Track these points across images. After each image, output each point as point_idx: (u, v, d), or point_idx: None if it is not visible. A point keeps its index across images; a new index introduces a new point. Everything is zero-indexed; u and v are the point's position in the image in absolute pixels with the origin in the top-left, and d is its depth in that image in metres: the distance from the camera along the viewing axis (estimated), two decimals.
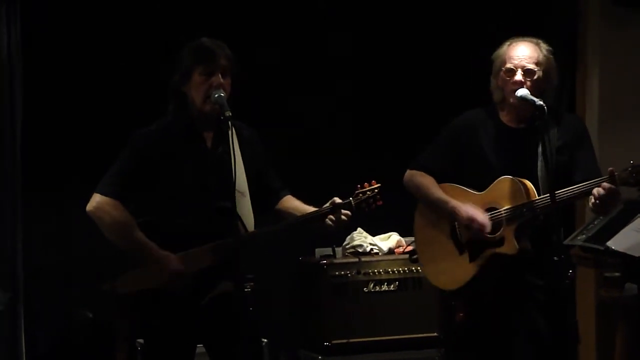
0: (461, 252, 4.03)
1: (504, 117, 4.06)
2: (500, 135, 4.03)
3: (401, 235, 5.52)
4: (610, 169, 3.73)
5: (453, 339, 4.96)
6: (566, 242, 4.64)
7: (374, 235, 5.53)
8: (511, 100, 3.95)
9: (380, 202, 3.84)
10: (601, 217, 4.81)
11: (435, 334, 5.26)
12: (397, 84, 5.90)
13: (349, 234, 5.52)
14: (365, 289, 5.25)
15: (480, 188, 4.02)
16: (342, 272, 5.24)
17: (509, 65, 3.96)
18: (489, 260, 3.96)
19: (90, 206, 3.77)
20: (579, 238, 4.85)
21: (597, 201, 3.74)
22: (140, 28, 5.42)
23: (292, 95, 5.72)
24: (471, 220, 3.95)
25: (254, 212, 3.84)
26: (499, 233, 3.94)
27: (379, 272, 5.28)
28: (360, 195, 3.82)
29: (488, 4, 5.86)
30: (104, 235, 3.81)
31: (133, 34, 5.41)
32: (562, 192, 3.81)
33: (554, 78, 4.02)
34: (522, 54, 3.97)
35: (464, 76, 5.65)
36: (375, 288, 5.26)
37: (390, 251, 5.46)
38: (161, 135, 3.78)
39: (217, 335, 3.78)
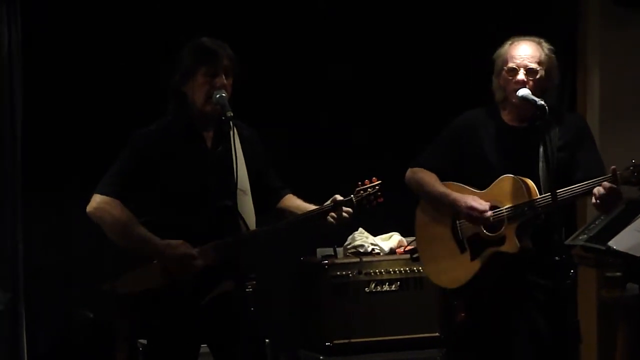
0: (462, 251, 4.05)
1: (505, 116, 4.07)
2: (501, 135, 4.05)
3: (402, 235, 5.52)
4: (613, 167, 3.74)
5: (454, 339, 4.97)
6: (567, 241, 4.65)
7: (375, 235, 5.54)
8: (513, 100, 3.96)
9: (382, 199, 3.85)
10: (602, 217, 4.81)
11: (436, 334, 5.26)
12: (397, 83, 5.90)
13: (350, 234, 5.52)
14: (366, 289, 5.26)
15: (481, 187, 4.04)
16: (344, 272, 5.24)
17: (511, 65, 3.98)
18: (490, 259, 3.97)
19: (90, 207, 3.76)
20: (580, 238, 4.84)
21: (598, 200, 3.76)
22: (140, 28, 5.42)
23: (292, 95, 5.72)
24: (471, 209, 3.96)
25: (255, 211, 3.84)
26: (500, 231, 3.95)
27: (380, 272, 5.28)
28: (362, 192, 3.83)
29: (488, 4, 5.86)
30: (104, 235, 3.80)
31: (133, 34, 5.42)
32: (563, 191, 3.82)
33: (555, 77, 4.04)
34: (524, 53, 3.98)
35: (464, 76, 5.68)
36: (377, 288, 5.27)
37: (392, 251, 5.46)
38: (161, 135, 3.79)
39: (220, 335, 3.78)
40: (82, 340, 5.26)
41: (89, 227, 3.85)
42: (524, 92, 3.91)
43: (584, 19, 5.87)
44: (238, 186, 3.70)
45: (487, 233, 3.98)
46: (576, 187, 3.82)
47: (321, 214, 3.81)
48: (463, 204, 3.99)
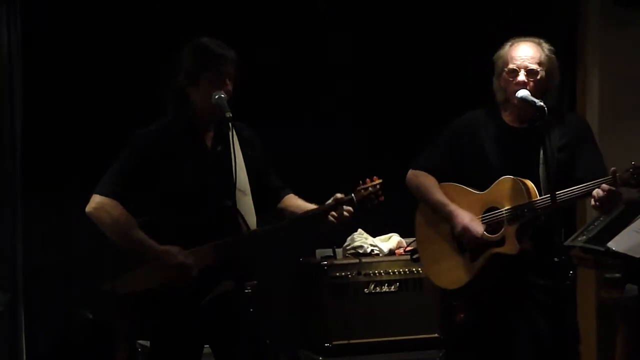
0: (462, 252, 4.06)
1: (506, 117, 4.09)
2: (502, 135, 4.06)
3: (402, 236, 5.54)
4: (613, 169, 3.75)
5: (453, 339, 4.99)
6: (567, 242, 4.66)
7: (374, 236, 5.56)
8: (513, 101, 3.98)
9: (382, 198, 3.86)
10: (602, 218, 4.82)
11: (435, 335, 5.28)
12: (397, 83, 5.92)
13: (350, 235, 5.54)
14: (365, 289, 5.27)
15: (481, 188, 4.05)
16: (343, 273, 5.26)
17: (511, 66, 3.99)
18: (490, 260, 3.99)
19: (89, 207, 3.78)
20: (579, 239, 4.84)
21: (598, 202, 3.77)
22: (140, 28, 5.44)
23: (292, 95, 5.73)
24: (466, 230, 3.99)
25: (255, 212, 3.85)
26: (500, 233, 3.96)
27: (380, 273, 5.30)
28: (362, 191, 3.84)
29: (488, 4, 5.88)
30: (103, 235, 3.81)
31: (133, 34, 5.43)
32: (562, 193, 3.83)
33: (556, 78, 4.05)
34: (525, 54, 4.00)
35: (464, 76, 5.71)
36: (376, 289, 5.29)
37: (391, 252, 5.48)
38: (161, 135, 3.80)
39: (220, 335, 3.79)
40: (81, 341, 5.27)
41: (89, 227, 3.86)
42: (523, 93, 3.93)
43: (583, 19, 5.89)
44: (237, 186, 3.72)
45: (487, 234, 4.00)
46: (575, 189, 3.84)
47: (322, 213, 3.83)
48: (460, 222, 4.01)
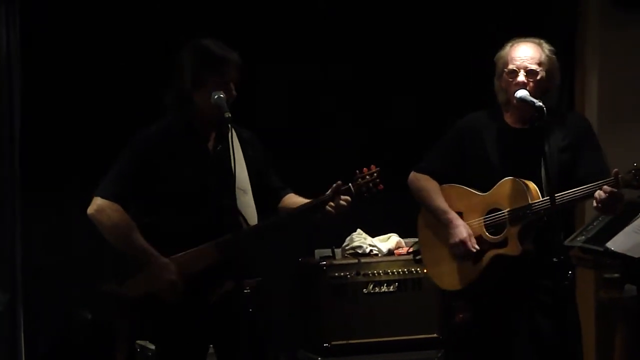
0: None
1: (508, 118, 4.12)
2: (504, 137, 4.09)
3: (401, 236, 5.57)
4: (615, 170, 3.78)
5: (453, 340, 5.05)
6: (566, 243, 4.68)
7: (373, 236, 5.58)
8: (514, 101, 4.01)
9: (382, 187, 3.85)
10: (600, 218, 4.86)
11: (434, 335, 5.31)
12: (396, 84, 5.94)
13: (349, 235, 5.56)
14: (364, 290, 5.30)
15: (484, 189, 4.08)
16: (342, 273, 5.29)
17: (511, 67, 4.02)
18: (492, 262, 4.02)
19: (91, 209, 3.80)
20: (578, 239, 4.88)
21: (599, 204, 3.80)
22: (140, 28, 5.46)
23: (292, 95, 5.77)
24: (460, 244, 4.02)
25: (258, 212, 3.88)
26: (502, 234, 3.99)
27: (379, 273, 5.34)
28: (360, 180, 3.84)
29: (488, 4, 5.91)
30: (102, 237, 3.83)
31: (133, 34, 5.45)
32: (564, 194, 3.86)
33: (557, 78, 4.08)
34: (524, 54, 4.02)
35: (464, 76, 5.75)
36: (375, 289, 5.32)
37: (390, 252, 5.51)
38: (161, 137, 3.83)
39: (222, 335, 3.82)
40: (81, 341, 5.29)
41: (88, 228, 3.89)
42: (522, 93, 3.96)
43: (583, 19, 5.93)
44: (238, 185, 3.74)
45: (489, 236, 4.03)
46: (578, 191, 3.86)
47: (320, 204, 3.83)
48: (456, 235, 4.03)
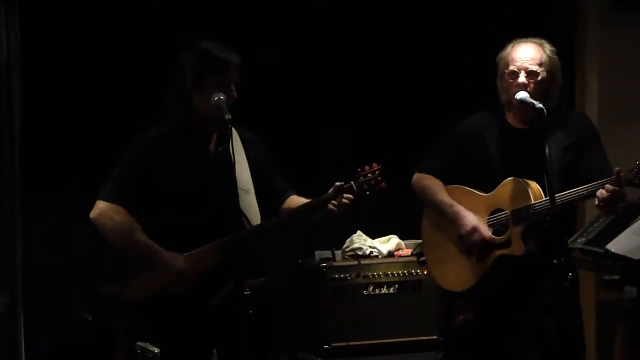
0: (468, 254, 4.13)
1: (510, 118, 4.15)
2: (506, 137, 4.13)
3: (401, 238, 5.62)
4: (617, 169, 3.81)
5: (453, 341, 5.06)
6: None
7: (373, 238, 5.62)
8: (515, 102, 4.04)
9: (384, 185, 3.86)
10: (601, 220, 4.91)
11: (434, 337, 5.36)
12: (396, 84, 5.98)
13: (349, 237, 5.60)
14: (364, 291, 5.35)
15: (486, 190, 4.12)
16: (342, 275, 5.34)
17: (512, 68, 4.05)
18: (496, 262, 4.05)
19: (93, 213, 3.84)
20: (578, 241, 4.91)
21: (602, 203, 3.84)
22: (141, 28, 5.49)
23: (292, 95, 5.80)
24: (472, 232, 4.06)
25: (261, 213, 3.91)
26: (506, 235, 4.03)
27: (379, 275, 5.38)
28: (362, 177, 3.85)
29: (488, 4, 5.96)
30: (102, 239, 3.87)
31: (133, 35, 5.49)
32: (565, 194, 3.90)
33: (559, 78, 4.11)
34: (525, 55, 4.06)
35: (464, 76, 5.79)
36: (375, 291, 5.36)
37: (390, 254, 5.55)
38: (162, 139, 3.87)
39: (224, 337, 3.86)
40: (80, 342, 5.31)
41: (88, 229, 3.92)
42: (522, 95, 3.99)
43: (583, 20, 5.99)
44: (240, 186, 3.79)
45: (493, 236, 4.07)
46: (580, 190, 3.90)
47: (322, 203, 3.84)
48: (466, 224, 4.07)
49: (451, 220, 4.14)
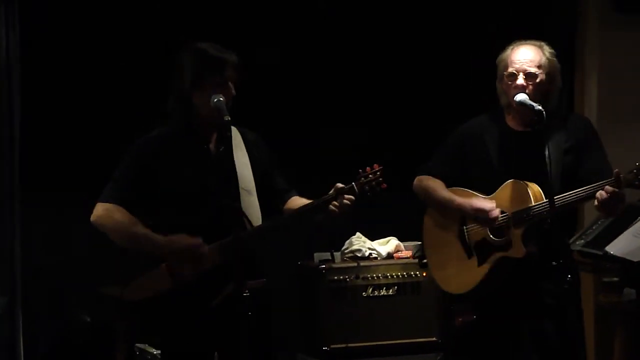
0: (469, 256, 4.17)
1: (510, 121, 4.19)
2: (506, 140, 4.17)
3: (400, 239, 5.64)
4: (616, 170, 3.85)
5: (452, 343, 5.07)
6: None
7: (372, 239, 5.65)
8: (514, 105, 4.08)
9: (385, 185, 3.87)
10: (600, 222, 4.96)
11: (434, 339, 5.39)
12: (397, 84, 6.02)
13: (348, 239, 5.63)
14: (364, 293, 5.38)
15: (487, 192, 4.16)
16: (341, 277, 5.37)
17: (510, 70, 4.10)
18: (496, 264, 4.09)
19: (93, 216, 3.88)
20: (577, 243, 4.94)
21: (601, 205, 3.87)
22: (141, 28, 5.52)
23: (292, 96, 5.83)
24: (478, 211, 4.08)
25: (263, 213, 3.93)
26: (506, 236, 4.07)
27: (378, 277, 5.41)
28: (363, 178, 3.87)
29: (488, 4, 5.99)
30: (102, 238, 3.90)
31: (133, 35, 5.52)
32: (565, 196, 3.94)
33: (558, 80, 4.15)
34: (524, 57, 4.10)
35: (464, 76, 5.82)
36: (374, 292, 5.40)
37: (389, 256, 5.57)
38: (162, 139, 3.91)
39: (225, 339, 3.87)
40: (80, 344, 5.34)
41: (88, 230, 3.95)
42: (521, 97, 4.03)
43: (582, 20, 6.02)
44: (242, 186, 3.83)
45: (493, 238, 4.10)
46: (579, 191, 3.94)
47: (323, 204, 3.86)
48: (469, 207, 4.11)
49: (457, 212, 4.17)
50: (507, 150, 4.15)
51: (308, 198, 4.04)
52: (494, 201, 4.09)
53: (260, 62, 5.54)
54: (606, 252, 4.62)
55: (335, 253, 5.55)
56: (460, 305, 4.22)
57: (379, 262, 5.50)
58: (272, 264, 5.24)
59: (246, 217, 3.80)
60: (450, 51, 5.98)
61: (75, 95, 5.51)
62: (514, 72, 4.08)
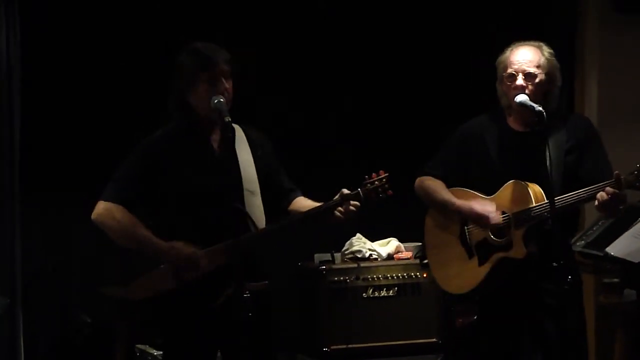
0: (470, 257, 4.18)
1: (511, 122, 4.21)
2: (507, 140, 4.19)
3: (400, 240, 5.68)
4: (616, 172, 3.87)
5: (452, 344, 5.08)
6: None
7: (373, 240, 5.68)
8: (514, 105, 4.10)
9: (391, 192, 3.89)
10: (600, 223, 4.99)
11: (434, 340, 5.43)
12: (397, 86, 6.05)
13: (348, 240, 5.66)
14: (364, 294, 5.42)
15: (488, 193, 4.18)
16: (341, 278, 5.41)
17: (509, 71, 4.12)
18: (497, 264, 4.10)
19: (94, 214, 3.90)
20: (578, 244, 4.97)
21: (602, 206, 3.89)
22: (141, 29, 5.56)
23: (293, 97, 5.86)
24: (478, 216, 4.10)
25: (266, 213, 3.95)
26: (507, 237, 4.09)
27: (378, 278, 5.45)
28: (369, 185, 3.88)
29: (488, 4, 6.03)
30: (102, 239, 3.92)
31: (133, 35, 5.55)
32: (565, 197, 3.96)
33: (558, 80, 4.16)
34: (523, 58, 4.12)
35: (464, 76, 5.87)
36: (374, 293, 5.43)
37: (389, 257, 5.61)
38: (165, 140, 3.94)
39: (227, 340, 3.89)
40: (80, 345, 5.36)
41: (88, 231, 3.99)
42: (521, 98, 4.06)
43: (582, 20, 6.06)
44: (246, 187, 3.86)
45: (494, 239, 4.12)
46: (580, 192, 3.95)
47: (329, 209, 3.88)
48: (468, 210, 4.13)
49: (456, 215, 4.19)
50: (508, 151, 4.18)
51: (311, 200, 4.05)
52: (494, 203, 4.12)
53: (260, 63, 5.58)
54: (607, 253, 4.63)
55: (335, 254, 5.59)
56: (461, 306, 4.24)
57: (379, 263, 5.54)
58: (273, 264, 5.30)
59: (251, 219, 3.82)
60: (450, 51, 6.02)
61: (75, 95, 5.54)
62: (513, 73, 4.11)
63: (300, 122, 5.88)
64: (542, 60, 4.13)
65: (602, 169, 4.01)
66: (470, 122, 4.34)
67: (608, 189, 3.87)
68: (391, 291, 5.45)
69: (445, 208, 4.24)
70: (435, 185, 4.28)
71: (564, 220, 4.05)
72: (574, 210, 4.17)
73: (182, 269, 3.84)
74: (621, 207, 3.94)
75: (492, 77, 4.24)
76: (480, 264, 4.15)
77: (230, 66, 3.91)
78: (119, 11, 5.56)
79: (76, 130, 5.53)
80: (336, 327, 5.35)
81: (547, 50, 4.17)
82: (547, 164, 3.96)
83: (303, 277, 5.61)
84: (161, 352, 4.67)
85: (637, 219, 4.67)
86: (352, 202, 3.87)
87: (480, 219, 4.12)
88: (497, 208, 4.14)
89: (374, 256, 5.61)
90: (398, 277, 5.46)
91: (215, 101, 3.82)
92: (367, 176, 3.91)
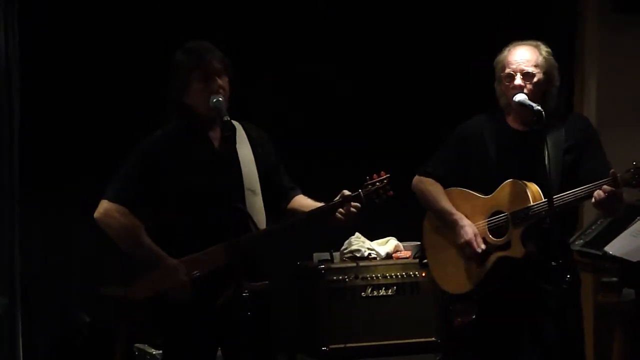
0: (468, 257, 4.20)
1: (510, 121, 4.24)
2: (506, 139, 4.22)
3: (399, 239, 5.71)
4: (612, 170, 3.90)
5: (451, 343, 5.08)
6: None
7: (372, 240, 5.70)
8: (513, 105, 4.14)
9: (391, 193, 3.92)
10: (599, 222, 5.02)
11: (433, 339, 5.45)
12: (396, 86, 6.08)
13: (347, 239, 5.68)
14: (363, 293, 5.44)
15: (487, 192, 4.21)
16: (340, 277, 5.43)
17: (508, 71, 4.15)
18: (496, 264, 4.13)
19: (97, 213, 3.92)
20: (576, 243, 5.00)
21: (598, 203, 3.92)
22: (141, 28, 5.59)
23: (293, 97, 5.89)
24: (467, 244, 4.14)
25: (266, 212, 3.98)
26: (505, 236, 4.12)
27: (377, 277, 5.47)
28: (370, 186, 3.91)
29: (488, 4, 6.06)
30: (102, 239, 3.97)
31: (133, 35, 5.58)
32: (563, 196, 3.98)
33: (556, 79, 4.19)
34: (521, 57, 4.15)
35: (464, 76, 5.89)
36: (373, 293, 5.46)
37: (388, 256, 5.63)
38: (166, 139, 3.97)
39: (229, 338, 3.93)
40: (79, 345, 5.39)
41: (88, 229, 4.02)
42: (520, 97, 4.09)
43: (582, 20, 6.09)
44: (247, 186, 3.89)
45: (492, 238, 4.15)
46: (578, 191, 3.98)
47: (329, 210, 3.91)
48: (463, 235, 4.15)
49: (451, 228, 4.23)
50: (507, 150, 4.20)
51: (310, 199, 4.08)
52: (482, 244, 4.12)
53: (261, 63, 5.60)
54: (605, 252, 4.66)
55: (334, 253, 5.61)
56: (460, 305, 4.26)
57: (378, 263, 5.56)
58: (272, 264, 5.31)
59: (252, 219, 3.84)
60: (450, 51, 6.04)
61: (74, 95, 5.56)
62: (511, 72, 4.14)
63: (300, 122, 5.90)
64: (540, 59, 4.16)
65: (601, 169, 4.03)
66: (469, 121, 4.36)
67: (605, 187, 3.90)
68: (390, 290, 5.48)
69: (441, 217, 4.27)
70: (434, 192, 4.31)
71: (562, 219, 4.07)
72: (572, 209, 4.19)
73: (170, 289, 3.87)
74: (619, 206, 3.96)
75: (492, 77, 4.26)
76: (480, 263, 4.17)
77: (224, 64, 3.94)
78: (118, 11, 5.58)
79: (76, 130, 5.55)
80: (335, 327, 5.37)
81: (544, 49, 4.20)
82: (546, 163, 3.98)
83: (302, 276, 5.63)
84: (160, 352, 4.73)
85: (636, 218, 4.71)
86: (352, 203, 3.89)
87: (464, 249, 4.16)
88: (495, 207, 4.16)
89: (373, 255, 5.63)
90: (397, 276, 5.49)
91: (214, 100, 3.85)
92: (368, 177, 3.93)
